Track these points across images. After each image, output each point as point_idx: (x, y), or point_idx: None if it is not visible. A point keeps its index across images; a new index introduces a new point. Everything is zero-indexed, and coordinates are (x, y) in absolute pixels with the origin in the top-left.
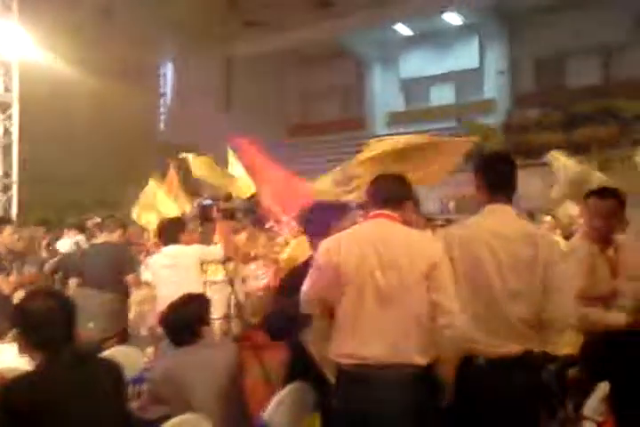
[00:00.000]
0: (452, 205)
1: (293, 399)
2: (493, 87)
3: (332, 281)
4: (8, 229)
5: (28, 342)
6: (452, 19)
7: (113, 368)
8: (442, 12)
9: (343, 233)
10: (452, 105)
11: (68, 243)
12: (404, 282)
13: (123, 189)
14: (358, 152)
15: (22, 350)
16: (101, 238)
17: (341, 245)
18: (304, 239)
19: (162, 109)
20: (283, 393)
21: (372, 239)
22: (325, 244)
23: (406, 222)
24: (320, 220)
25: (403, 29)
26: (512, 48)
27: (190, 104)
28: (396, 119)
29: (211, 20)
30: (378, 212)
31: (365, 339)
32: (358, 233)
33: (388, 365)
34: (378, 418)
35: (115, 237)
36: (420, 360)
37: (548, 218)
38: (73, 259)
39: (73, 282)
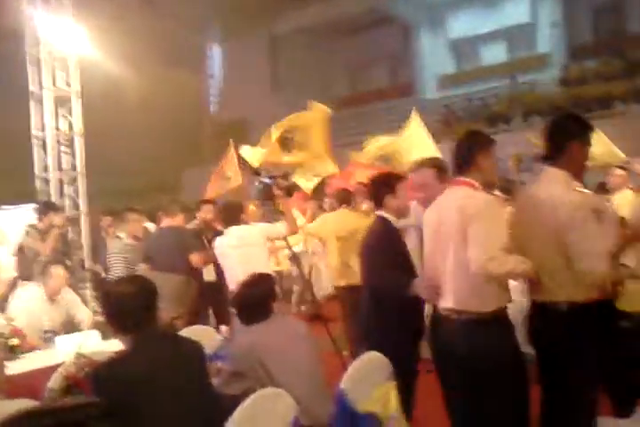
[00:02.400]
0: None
1: (369, 369)
2: (547, 41)
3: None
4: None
5: (115, 326)
6: None
7: (194, 346)
8: None
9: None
10: (504, 63)
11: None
12: (448, 238)
13: (180, 173)
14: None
15: (113, 333)
16: (165, 223)
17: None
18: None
19: (212, 91)
20: (359, 362)
21: (438, 204)
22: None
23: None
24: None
25: None
26: None
27: (239, 83)
28: (446, 82)
29: None
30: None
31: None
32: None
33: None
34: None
35: (178, 220)
36: (479, 307)
37: (619, 171)
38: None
39: (141, 267)
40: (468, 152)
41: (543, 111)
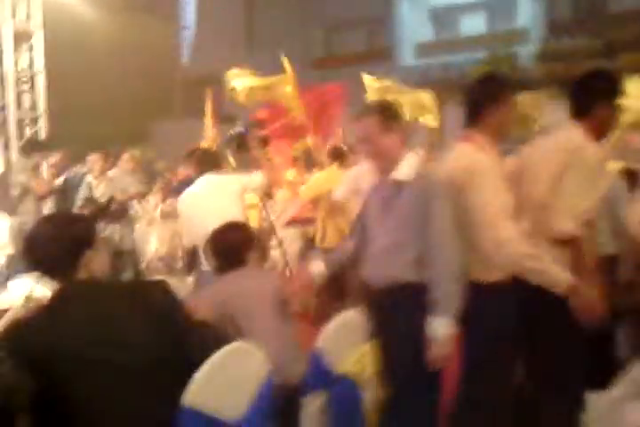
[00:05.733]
0: None
1: (348, 327)
2: (527, 15)
3: None
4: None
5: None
6: None
7: (154, 293)
8: None
9: None
10: (483, 35)
11: None
12: None
13: (146, 122)
14: None
15: None
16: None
17: None
18: (333, 170)
19: (185, 42)
20: (338, 320)
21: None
22: None
23: None
24: None
25: None
26: None
27: (213, 36)
28: (424, 50)
29: None
30: None
31: None
32: None
33: None
34: None
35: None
36: None
37: None
38: None
39: None
40: (479, 101)
41: (519, 85)
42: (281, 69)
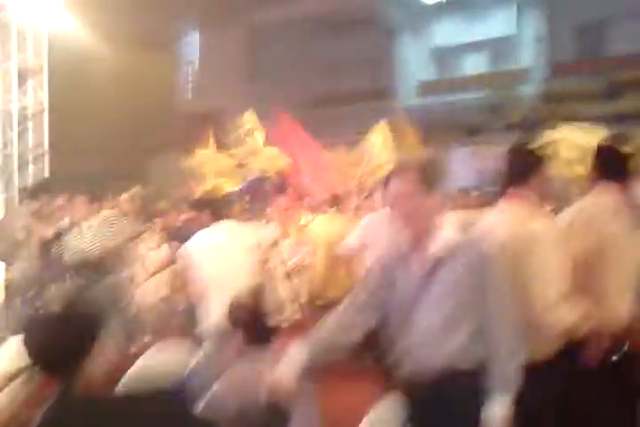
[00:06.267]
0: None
1: (386, 417)
2: (530, 55)
3: None
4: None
5: None
6: None
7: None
8: None
9: None
10: (485, 74)
11: None
12: None
13: (150, 159)
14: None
15: None
16: None
17: None
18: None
19: (187, 78)
20: (375, 411)
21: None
22: None
23: None
24: None
25: None
26: (551, 14)
27: (216, 73)
28: (426, 89)
29: None
30: None
31: None
32: None
33: None
34: None
35: None
36: None
37: None
38: None
39: None
40: (530, 161)
41: (523, 125)
42: (283, 105)
